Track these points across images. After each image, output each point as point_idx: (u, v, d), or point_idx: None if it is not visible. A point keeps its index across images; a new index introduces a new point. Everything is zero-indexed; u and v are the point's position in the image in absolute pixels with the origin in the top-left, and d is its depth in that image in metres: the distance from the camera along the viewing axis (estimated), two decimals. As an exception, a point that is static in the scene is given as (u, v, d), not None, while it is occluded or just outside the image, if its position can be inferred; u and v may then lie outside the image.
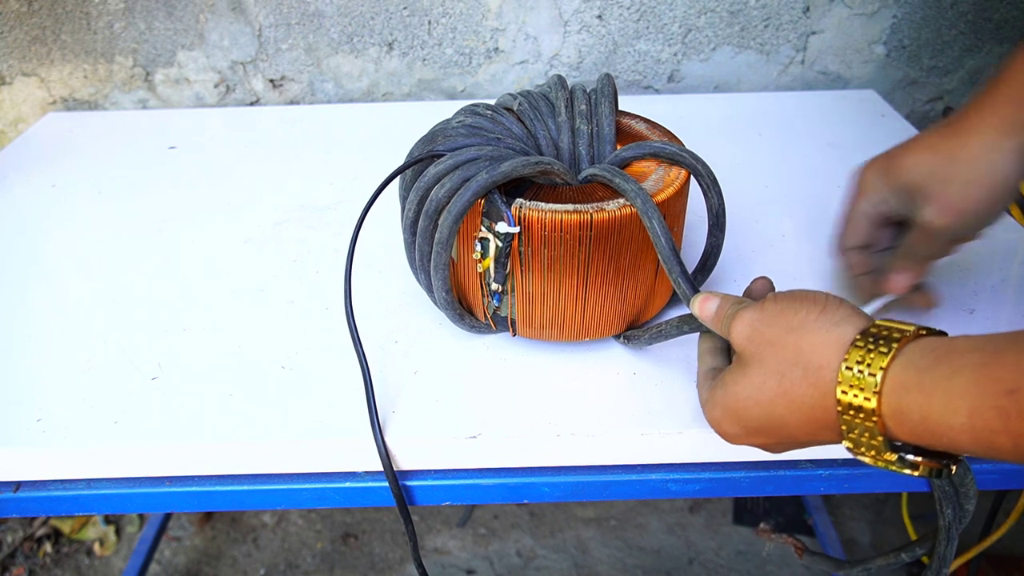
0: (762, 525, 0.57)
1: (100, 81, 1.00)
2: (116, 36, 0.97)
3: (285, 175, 0.83)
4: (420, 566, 0.55)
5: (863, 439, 0.35)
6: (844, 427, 0.35)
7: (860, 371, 0.34)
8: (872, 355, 0.34)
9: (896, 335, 0.34)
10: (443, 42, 0.98)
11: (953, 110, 0.93)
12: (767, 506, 1.40)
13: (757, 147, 0.87)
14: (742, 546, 1.34)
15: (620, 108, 0.61)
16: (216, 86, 1.01)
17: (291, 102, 1.03)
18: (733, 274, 0.65)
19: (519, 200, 0.50)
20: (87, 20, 0.96)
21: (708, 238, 0.57)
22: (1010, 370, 0.30)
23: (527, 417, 0.52)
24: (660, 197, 0.51)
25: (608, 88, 0.59)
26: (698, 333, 0.50)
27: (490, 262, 0.51)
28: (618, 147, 0.58)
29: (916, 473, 0.35)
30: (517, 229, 0.49)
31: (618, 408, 0.53)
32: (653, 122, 0.61)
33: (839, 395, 0.35)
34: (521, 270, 0.52)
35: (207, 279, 0.67)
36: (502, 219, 0.49)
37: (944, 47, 1.00)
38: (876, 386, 0.33)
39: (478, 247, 0.51)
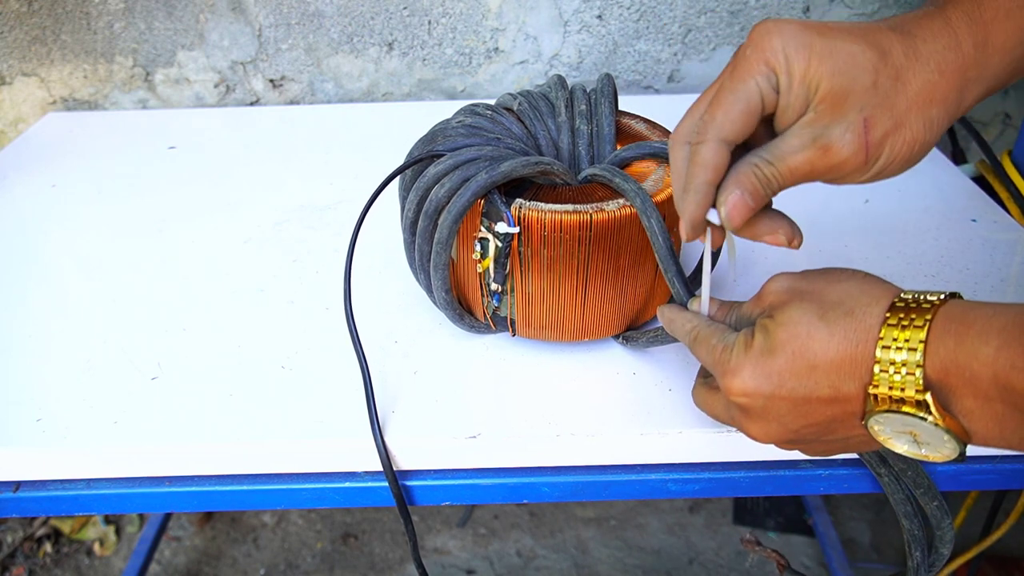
0: (747, 535, 0.57)
1: (100, 81, 1.00)
2: (116, 36, 0.97)
3: (285, 175, 0.83)
4: (420, 566, 0.55)
5: (896, 367, 0.34)
6: (879, 362, 0.34)
7: (914, 303, 0.35)
8: (922, 298, 0.35)
9: (943, 292, 0.36)
10: (443, 42, 0.98)
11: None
12: (767, 506, 1.40)
13: (757, 147, 0.87)
14: (742, 546, 1.34)
15: (620, 108, 0.61)
16: (216, 86, 1.01)
17: (291, 102, 1.03)
18: (732, 274, 0.65)
19: (519, 200, 0.50)
20: (87, 20, 0.96)
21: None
22: None
23: (527, 417, 0.52)
24: (660, 197, 0.51)
25: (608, 88, 0.59)
26: None
27: (490, 262, 0.51)
28: (618, 147, 0.58)
29: (933, 421, 0.34)
30: (517, 229, 0.49)
31: (618, 408, 0.53)
32: (653, 122, 0.61)
33: (886, 329, 0.34)
34: (521, 270, 0.52)
35: (207, 279, 0.67)
36: (502, 219, 0.49)
37: (944, 47, 1.00)
38: (930, 312, 0.34)
39: (478, 247, 0.51)
